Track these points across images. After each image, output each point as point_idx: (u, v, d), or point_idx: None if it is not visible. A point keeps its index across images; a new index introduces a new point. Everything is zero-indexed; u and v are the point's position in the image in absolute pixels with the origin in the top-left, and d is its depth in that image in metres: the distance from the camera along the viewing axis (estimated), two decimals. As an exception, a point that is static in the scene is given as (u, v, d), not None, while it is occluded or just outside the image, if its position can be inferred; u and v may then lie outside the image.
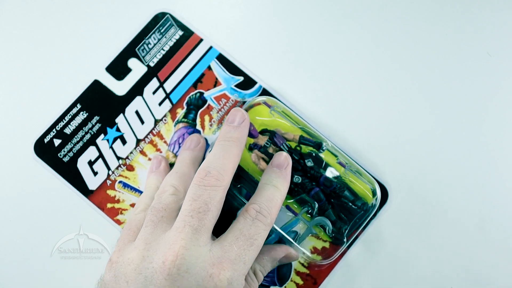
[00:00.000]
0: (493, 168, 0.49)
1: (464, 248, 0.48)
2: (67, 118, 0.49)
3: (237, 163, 0.42)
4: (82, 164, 0.49)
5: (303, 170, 0.46)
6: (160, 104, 0.50)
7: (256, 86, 0.50)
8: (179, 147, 0.49)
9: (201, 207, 0.37)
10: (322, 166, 0.46)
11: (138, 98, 0.50)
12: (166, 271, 0.34)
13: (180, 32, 0.51)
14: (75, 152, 0.49)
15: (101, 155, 0.49)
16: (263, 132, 0.47)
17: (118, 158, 0.49)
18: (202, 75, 0.50)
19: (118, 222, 0.48)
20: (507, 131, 0.50)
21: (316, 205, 0.45)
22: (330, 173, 0.46)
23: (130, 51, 0.51)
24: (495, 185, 0.49)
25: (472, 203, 0.48)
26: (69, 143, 0.49)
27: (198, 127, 0.50)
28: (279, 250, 0.44)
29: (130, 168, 0.49)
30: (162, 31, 0.51)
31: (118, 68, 0.50)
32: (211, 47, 0.51)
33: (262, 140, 0.46)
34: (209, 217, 0.37)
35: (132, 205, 0.48)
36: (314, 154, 0.46)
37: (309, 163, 0.46)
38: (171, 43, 0.51)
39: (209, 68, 0.50)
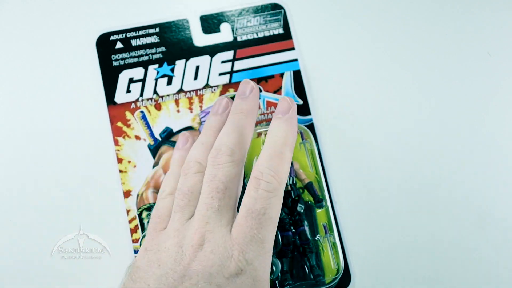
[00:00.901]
0: (493, 168, 0.49)
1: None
2: (141, 32, 0.51)
3: (250, 134, 0.42)
4: (124, 76, 0.50)
5: (291, 211, 0.44)
6: (220, 74, 0.50)
7: (308, 117, 0.49)
8: (209, 119, 0.49)
9: (218, 186, 0.38)
10: (308, 220, 0.45)
11: (207, 57, 0.50)
12: (193, 254, 0.36)
13: (281, 31, 0.51)
14: (126, 63, 0.50)
15: (143, 80, 0.50)
16: None
17: (155, 92, 0.50)
18: (271, 76, 0.50)
19: (116, 143, 0.48)
20: (507, 130, 0.50)
21: (280, 245, 0.44)
22: (310, 230, 0.44)
23: (229, 16, 0.51)
24: (495, 184, 0.49)
25: (472, 203, 0.48)
26: (127, 53, 0.50)
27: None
28: None
29: (158, 107, 0.49)
30: (267, 19, 0.51)
31: (210, 23, 0.51)
32: (296, 60, 0.51)
33: None
34: (228, 195, 0.38)
35: (137, 137, 0.49)
36: (309, 204, 0.45)
37: (300, 209, 0.44)
38: (267, 34, 0.51)
39: (281, 75, 0.50)
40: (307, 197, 0.46)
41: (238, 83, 0.50)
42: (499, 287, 0.47)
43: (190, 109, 0.49)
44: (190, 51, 0.50)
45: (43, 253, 0.46)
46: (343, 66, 0.51)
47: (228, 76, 0.50)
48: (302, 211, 0.44)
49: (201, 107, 0.50)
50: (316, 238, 0.45)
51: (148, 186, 0.48)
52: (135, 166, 0.48)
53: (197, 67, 0.50)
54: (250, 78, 0.50)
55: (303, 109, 0.50)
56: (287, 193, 0.45)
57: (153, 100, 0.49)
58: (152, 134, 0.49)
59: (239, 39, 0.51)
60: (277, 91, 0.50)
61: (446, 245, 0.47)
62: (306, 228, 0.44)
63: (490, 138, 0.50)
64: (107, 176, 0.48)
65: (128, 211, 0.47)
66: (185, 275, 0.36)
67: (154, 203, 0.47)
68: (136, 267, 0.38)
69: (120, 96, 0.49)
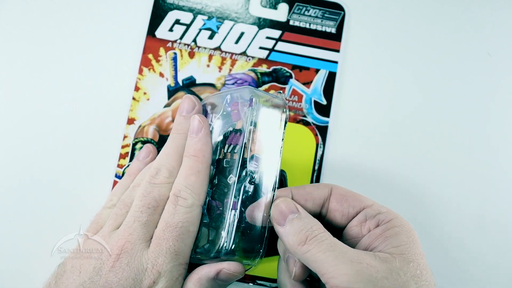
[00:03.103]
0: (494, 167, 0.50)
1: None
2: (204, -18, 0.52)
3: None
4: (172, 15, 0.51)
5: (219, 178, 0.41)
6: (260, 48, 0.51)
7: (325, 119, 0.49)
8: (233, 84, 0.50)
9: (150, 203, 0.39)
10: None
11: (255, 27, 0.51)
12: (111, 264, 0.37)
13: (334, 31, 0.52)
14: (179, 4, 0.51)
15: (188, 25, 0.51)
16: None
17: (194, 40, 0.51)
18: (307, 68, 0.50)
19: (140, 72, 0.49)
20: (507, 130, 0.51)
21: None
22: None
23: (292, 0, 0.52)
24: (495, 184, 0.49)
25: (472, 203, 0.49)
26: (185, -4, 0.51)
27: (262, 88, 0.50)
28: (211, 268, 0.39)
29: (191, 54, 0.50)
30: (325, 15, 0.52)
31: (271, -2, 0.52)
32: (336, 62, 0.51)
33: None
34: (159, 212, 0.39)
35: (161, 74, 0.50)
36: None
37: (228, 180, 0.39)
38: (319, 28, 0.51)
39: (316, 71, 0.50)
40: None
41: (273, 62, 0.50)
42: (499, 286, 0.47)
43: (220, 68, 0.50)
44: (242, 16, 0.51)
45: (43, 253, 0.46)
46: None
47: (267, 52, 0.51)
48: (230, 182, 0.39)
49: (230, 70, 0.50)
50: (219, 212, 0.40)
51: (152, 122, 0.49)
52: (148, 99, 0.49)
53: (242, 33, 0.51)
54: (287, 62, 0.50)
55: (324, 110, 0.50)
56: (220, 160, 0.41)
57: (189, 47, 0.50)
58: (175, 77, 0.50)
59: (291, 22, 0.51)
60: (307, 84, 0.50)
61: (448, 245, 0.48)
62: (215, 203, 0.40)
63: (490, 138, 0.50)
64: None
65: (125, 137, 0.48)
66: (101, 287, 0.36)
67: (152, 139, 0.48)
68: (62, 271, 0.39)
69: (162, 32, 0.51)
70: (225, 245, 0.38)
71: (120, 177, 0.48)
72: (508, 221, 0.49)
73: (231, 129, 0.41)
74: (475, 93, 0.52)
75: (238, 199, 0.38)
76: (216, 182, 0.41)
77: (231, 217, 0.38)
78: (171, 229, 0.38)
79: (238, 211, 0.38)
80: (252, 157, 0.39)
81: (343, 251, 0.34)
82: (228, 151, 0.41)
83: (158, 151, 0.47)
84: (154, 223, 0.39)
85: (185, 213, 0.39)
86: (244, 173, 0.39)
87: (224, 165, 0.41)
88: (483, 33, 0.53)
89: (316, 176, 0.48)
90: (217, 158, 0.41)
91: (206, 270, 0.39)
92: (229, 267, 0.39)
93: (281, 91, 0.50)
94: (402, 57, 0.52)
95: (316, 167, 0.48)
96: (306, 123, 0.49)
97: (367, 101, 0.51)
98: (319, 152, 0.49)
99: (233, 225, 0.38)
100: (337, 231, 0.38)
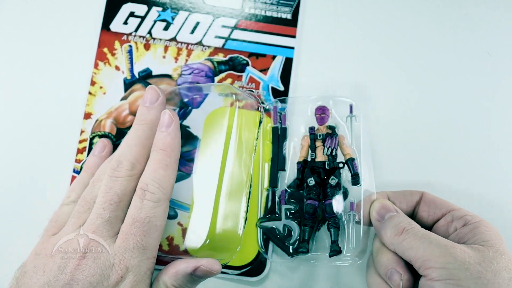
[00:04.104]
0: (494, 167, 0.50)
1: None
2: (158, -27, 0.51)
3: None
4: (126, 8, 0.51)
5: (322, 181, 0.45)
6: (216, 37, 0.51)
7: (281, 106, 0.49)
8: (190, 74, 0.49)
9: (112, 198, 0.39)
10: (339, 194, 0.45)
11: (210, 17, 0.51)
12: (77, 262, 0.37)
13: (289, 16, 0.51)
14: (133, -4, 0.51)
15: (143, 18, 0.51)
16: (332, 128, 0.46)
17: (149, 32, 0.50)
18: (263, 55, 0.50)
19: (96, 66, 0.49)
20: (507, 130, 0.51)
21: (304, 212, 0.45)
22: (338, 205, 0.45)
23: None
24: (495, 184, 0.49)
25: (472, 202, 0.47)
26: (138, -12, 0.51)
27: (217, 78, 0.50)
28: (189, 264, 0.41)
29: (147, 46, 0.50)
30: (280, 1, 0.51)
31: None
32: (292, 48, 0.51)
33: (323, 131, 0.46)
34: (121, 208, 0.39)
35: (117, 68, 0.49)
36: (334, 181, 0.45)
37: (332, 182, 0.45)
38: (274, 14, 0.51)
39: (273, 57, 0.50)
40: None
41: (229, 50, 0.50)
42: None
43: (176, 59, 0.50)
44: (197, 5, 0.51)
45: None
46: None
47: (223, 41, 0.51)
48: (334, 184, 0.44)
49: (186, 60, 0.50)
50: (342, 215, 0.45)
51: (109, 116, 0.49)
52: (105, 93, 0.49)
53: (197, 23, 0.51)
54: (243, 50, 0.50)
55: (282, 96, 0.49)
56: (322, 163, 0.45)
57: (145, 39, 0.50)
58: (132, 70, 0.50)
59: (246, 10, 0.51)
60: (264, 70, 0.50)
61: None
62: (334, 202, 0.44)
63: (490, 137, 0.50)
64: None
65: (82, 131, 0.48)
66: (67, 284, 0.36)
67: (109, 133, 0.48)
68: (23, 272, 0.38)
69: (116, 25, 0.50)
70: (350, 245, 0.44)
71: (78, 172, 0.47)
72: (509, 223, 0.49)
73: (324, 132, 0.46)
74: (475, 93, 0.51)
75: (354, 201, 0.45)
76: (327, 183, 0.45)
77: (351, 218, 0.44)
78: (138, 224, 0.38)
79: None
80: (352, 159, 0.45)
81: (437, 239, 0.38)
82: (327, 153, 0.45)
83: (116, 145, 0.47)
84: (117, 218, 0.39)
85: (153, 208, 0.39)
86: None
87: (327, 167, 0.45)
88: (483, 33, 0.53)
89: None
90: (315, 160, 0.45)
91: (184, 266, 0.40)
92: (207, 264, 0.40)
93: (253, 90, 0.50)
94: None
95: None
96: (265, 110, 0.48)
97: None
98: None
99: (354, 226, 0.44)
100: None
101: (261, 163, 0.47)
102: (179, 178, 0.47)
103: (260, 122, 0.47)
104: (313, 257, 0.46)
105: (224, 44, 0.50)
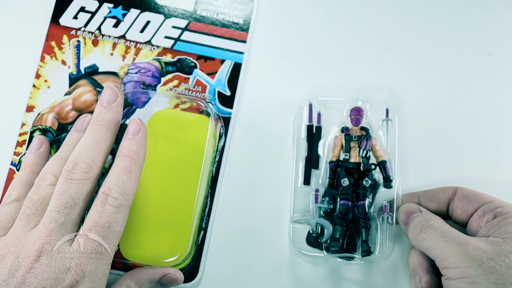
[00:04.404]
0: (494, 168, 0.50)
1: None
2: (112, -31, 0.51)
3: (109, 149, 0.42)
4: (76, 3, 0.50)
5: (356, 182, 0.46)
6: (166, 37, 0.50)
7: (229, 110, 0.49)
8: (137, 73, 0.49)
9: (67, 202, 0.38)
10: (371, 196, 0.46)
11: (161, 17, 0.51)
12: (29, 265, 0.36)
13: (241, 21, 0.51)
14: (84, -9, 0.50)
15: (93, 14, 0.50)
16: (364, 129, 0.47)
17: (99, 28, 0.50)
18: (212, 59, 0.50)
19: (42, 59, 0.49)
20: (508, 129, 0.51)
21: (336, 211, 0.46)
22: (370, 206, 0.46)
23: (200, -12, 0.52)
24: (495, 184, 0.48)
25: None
26: (90, -18, 0.51)
27: (164, 79, 0.49)
28: (157, 271, 0.42)
29: (95, 43, 0.50)
30: (233, 5, 0.51)
31: (179, -13, 0.51)
32: (242, 53, 0.50)
33: (357, 132, 0.47)
34: (77, 211, 0.38)
35: (64, 62, 0.49)
36: (377, 183, 0.47)
37: (365, 183, 0.46)
38: (226, 18, 0.51)
39: (222, 61, 0.50)
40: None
41: (178, 51, 0.50)
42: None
43: (124, 57, 0.50)
44: (148, 4, 0.51)
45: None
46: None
47: (172, 41, 0.50)
48: (367, 185, 0.45)
49: (134, 59, 0.50)
50: (374, 216, 0.46)
51: (51, 110, 0.48)
52: (49, 87, 0.49)
53: (148, 22, 0.51)
54: (192, 52, 0.50)
55: (228, 102, 0.49)
56: (355, 165, 0.46)
57: (93, 35, 0.50)
58: (78, 65, 0.49)
59: (198, 12, 0.51)
60: (211, 74, 0.50)
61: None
62: (366, 203, 0.45)
63: (490, 137, 0.50)
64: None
65: (23, 124, 0.48)
66: None
67: (50, 127, 0.48)
68: None
69: (66, 19, 0.50)
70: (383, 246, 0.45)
71: (16, 165, 0.47)
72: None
73: (358, 133, 0.46)
74: (474, 93, 0.51)
75: (388, 203, 0.46)
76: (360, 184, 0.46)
77: (385, 220, 0.45)
78: (98, 229, 0.37)
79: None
80: (385, 162, 0.46)
81: (453, 236, 0.39)
82: (363, 155, 0.46)
83: (56, 140, 0.47)
84: (72, 222, 0.38)
85: (114, 213, 0.38)
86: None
87: (362, 169, 0.46)
88: (483, 33, 0.53)
89: (216, 168, 0.48)
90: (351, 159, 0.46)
91: (152, 272, 0.41)
92: (175, 273, 0.42)
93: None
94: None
95: (217, 158, 0.48)
96: (209, 114, 0.48)
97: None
98: (221, 143, 0.49)
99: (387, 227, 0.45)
100: (461, 228, 0.42)
101: (294, 161, 0.47)
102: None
103: (220, 136, 0.48)
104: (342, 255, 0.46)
105: (173, 45, 0.50)
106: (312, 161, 0.47)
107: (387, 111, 0.48)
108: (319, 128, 0.48)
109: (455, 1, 0.53)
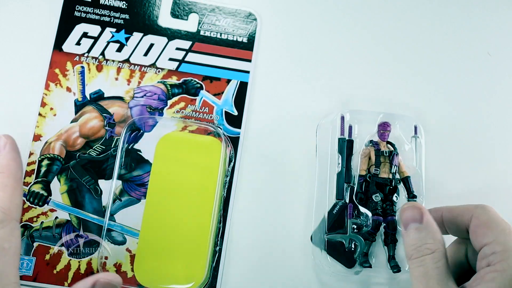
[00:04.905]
0: (493, 168, 0.50)
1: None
2: (112, -7, 0.51)
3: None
4: (79, 28, 0.50)
5: (386, 198, 0.46)
6: (170, 59, 0.50)
7: (237, 130, 0.49)
8: (143, 97, 0.49)
9: None
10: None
11: (164, 39, 0.50)
12: None
13: (245, 40, 0.51)
14: (86, 17, 0.50)
15: (96, 38, 0.50)
16: (391, 144, 0.47)
17: (102, 53, 0.50)
18: (218, 79, 0.50)
19: (47, 87, 0.49)
20: (508, 129, 0.51)
21: (369, 227, 0.45)
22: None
23: (201, 9, 0.51)
24: (495, 184, 0.49)
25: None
26: (92, 8, 0.50)
27: (170, 102, 0.49)
28: (87, 280, 0.39)
29: (99, 68, 0.49)
30: (236, 25, 0.51)
31: (181, 8, 0.51)
32: (248, 72, 0.50)
33: (383, 147, 0.47)
34: None
35: (68, 89, 0.49)
36: (396, 198, 0.47)
37: (395, 199, 0.46)
38: (230, 37, 0.51)
39: (228, 81, 0.50)
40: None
41: (183, 73, 0.50)
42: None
43: (129, 81, 0.49)
44: (151, 27, 0.51)
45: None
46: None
47: (177, 63, 0.50)
48: (396, 201, 0.46)
49: (139, 83, 0.49)
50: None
51: (59, 138, 0.48)
52: (55, 115, 0.48)
53: (151, 45, 0.50)
54: (197, 73, 0.50)
55: (236, 122, 0.49)
56: (387, 180, 0.46)
57: (97, 60, 0.50)
58: (83, 91, 0.49)
59: (201, 33, 0.51)
60: (218, 94, 0.50)
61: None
62: (396, 219, 0.46)
63: (490, 137, 0.50)
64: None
65: (31, 154, 0.47)
66: None
67: (58, 155, 0.47)
68: None
69: (69, 46, 0.50)
70: None
71: (26, 195, 0.46)
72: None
73: (384, 148, 0.47)
74: (475, 93, 0.51)
75: None
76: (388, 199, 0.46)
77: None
78: None
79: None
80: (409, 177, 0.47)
81: (428, 285, 0.35)
82: (393, 171, 0.46)
83: (65, 168, 0.46)
84: None
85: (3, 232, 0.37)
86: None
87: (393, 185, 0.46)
88: (483, 33, 0.53)
89: (226, 190, 0.48)
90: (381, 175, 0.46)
91: (82, 284, 0.38)
92: (105, 276, 0.39)
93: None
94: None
95: (227, 179, 0.48)
96: (218, 135, 0.48)
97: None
98: (231, 163, 0.48)
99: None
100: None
101: (329, 176, 0.47)
102: (128, 203, 0.46)
103: (230, 160, 0.48)
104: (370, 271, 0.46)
105: (178, 67, 0.50)
106: (345, 175, 0.46)
107: (415, 128, 0.48)
108: (351, 142, 0.47)
109: (455, 1, 0.53)
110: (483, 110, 0.51)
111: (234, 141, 0.49)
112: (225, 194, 0.47)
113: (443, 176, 0.49)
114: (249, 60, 0.51)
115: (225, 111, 0.49)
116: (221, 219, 0.47)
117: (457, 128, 0.51)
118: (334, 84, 0.51)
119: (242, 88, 0.50)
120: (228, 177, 0.48)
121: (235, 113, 0.49)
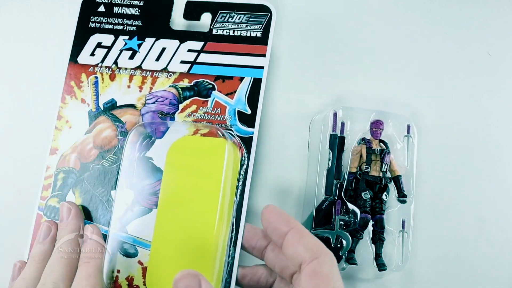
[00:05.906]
0: (493, 168, 0.49)
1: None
2: (126, 1, 0.50)
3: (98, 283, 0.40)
4: (94, 39, 0.50)
5: (375, 196, 0.46)
6: (181, 62, 0.48)
7: (250, 130, 0.45)
8: (154, 103, 0.47)
9: None
10: (387, 210, 0.46)
11: (176, 42, 0.49)
12: None
13: (259, 34, 0.48)
14: (101, 27, 0.50)
15: (109, 48, 0.49)
16: (383, 142, 0.47)
17: (115, 62, 0.49)
18: (230, 77, 0.47)
19: (63, 100, 0.49)
20: (507, 129, 0.50)
21: (357, 224, 0.45)
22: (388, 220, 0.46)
23: (214, 7, 0.49)
24: (495, 184, 0.49)
25: (472, 203, 0.48)
26: (106, 18, 0.50)
27: (181, 105, 0.47)
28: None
29: (112, 77, 0.49)
30: (250, 19, 0.48)
31: (193, 10, 0.49)
32: (262, 67, 0.47)
33: (375, 145, 0.46)
34: None
35: (83, 100, 0.48)
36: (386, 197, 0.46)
37: (384, 197, 0.46)
38: (243, 33, 0.48)
39: (241, 79, 0.47)
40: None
41: (194, 75, 0.47)
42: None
43: (141, 88, 0.48)
44: (163, 32, 0.49)
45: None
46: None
47: (188, 65, 0.48)
48: (386, 199, 0.46)
49: (151, 89, 0.48)
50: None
51: (74, 150, 0.47)
52: (70, 127, 0.48)
53: (163, 49, 0.49)
54: (209, 74, 0.47)
55: (248, 120, 0.46)
56: (377, 178, 0.46)
57: (110, 69, 0.49)
58: (97, 102, 0.48)
59: (214, 32, 0.48)
60: (230, 94, 0.46)
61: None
62: (384, 217, 0.45)
63: (490, 137, 0.50)
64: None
65: (47, 168, 0.47)
66: None
67: (73, 168, 0.47)
68: None
69: (83, 57, 0.50)
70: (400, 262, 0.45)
71: (42, 210, 0.46)
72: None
73: (376, 146, 0.46)
74: (475, 93, 0.50)
75: (406, 218, 0.46)
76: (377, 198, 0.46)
77: (403, 236, 0.45)
78: None
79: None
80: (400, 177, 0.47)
81: None
82: (384, 169, 0.46)
83: (80, 181, 0.46)
84: None
85: None
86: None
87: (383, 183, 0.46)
88: (483, 33, 0.52)
89: (239, 193, 0.44)
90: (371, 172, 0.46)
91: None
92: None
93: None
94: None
95: (240, 183, 0.44)
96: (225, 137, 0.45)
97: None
98: (243, 167, 0.45)
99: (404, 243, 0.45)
100: None
101: (318, 171, 0.46)
102: (139, 213, 0.44)
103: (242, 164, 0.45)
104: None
105: (189, 69, 0.48)
106: (335, 172, 0.45)
107: (408, 127, 0.47)
108: (342, 139, 0.45)
109: (455, 1, 0.52)
110: (481, 111, 0.49)
111: (247, 141, 0.45)
112: (237, 199, 0.44)
113: (434, 176, 0.48)
114: (264, 55, 0.47)
115: (238, 110, 0.46)
116: (233, 226, 0.43)
117: (451, 129, 0.49)
118: (328, 80, 0.49)
119: (256, 85, 0.46)
120: (241, 181, 0.44)
121: (249, 111, 0.46)
